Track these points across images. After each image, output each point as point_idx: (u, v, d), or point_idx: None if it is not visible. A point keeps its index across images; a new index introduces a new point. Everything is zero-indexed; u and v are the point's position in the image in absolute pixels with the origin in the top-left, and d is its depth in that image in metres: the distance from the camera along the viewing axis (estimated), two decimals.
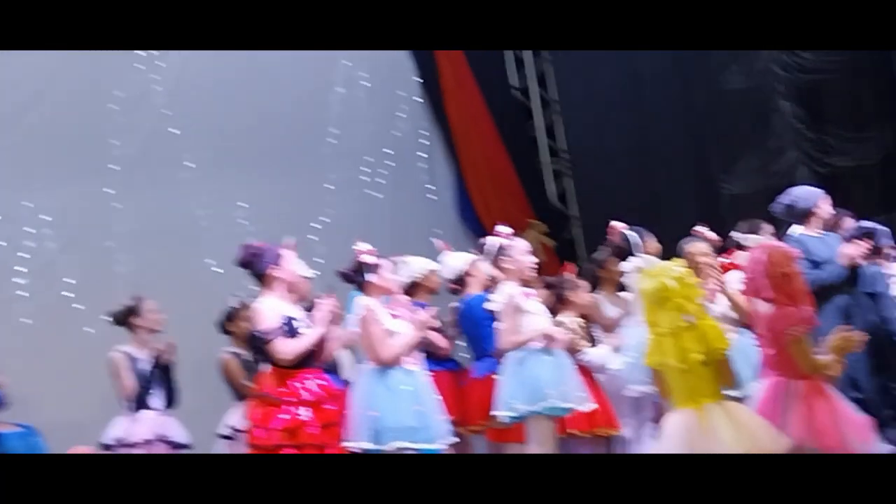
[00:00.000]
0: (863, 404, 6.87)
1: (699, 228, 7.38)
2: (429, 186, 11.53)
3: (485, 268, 6.68)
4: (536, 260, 6.59)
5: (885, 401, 6.93)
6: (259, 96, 10.35)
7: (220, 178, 9.97)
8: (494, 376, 6.40)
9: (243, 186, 10.08)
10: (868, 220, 7.75)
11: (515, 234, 6.77)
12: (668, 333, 4.94)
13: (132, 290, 7.68)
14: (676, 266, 5.07)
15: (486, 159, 11.64)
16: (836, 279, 7.01)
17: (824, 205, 7.36)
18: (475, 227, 11.16)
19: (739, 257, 6.34)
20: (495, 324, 6.45)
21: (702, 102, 10.73)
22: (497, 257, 6.48)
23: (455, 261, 7.16)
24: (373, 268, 6.16)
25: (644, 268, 5.06)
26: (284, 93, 10.52)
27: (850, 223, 7.66)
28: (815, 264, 7.04)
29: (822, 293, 7.00)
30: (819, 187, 7.74)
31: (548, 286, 7.39)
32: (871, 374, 6.97)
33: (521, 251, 6.48)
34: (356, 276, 6.20)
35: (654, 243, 7.34)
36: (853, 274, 7.06)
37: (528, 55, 12.34)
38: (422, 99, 11.59)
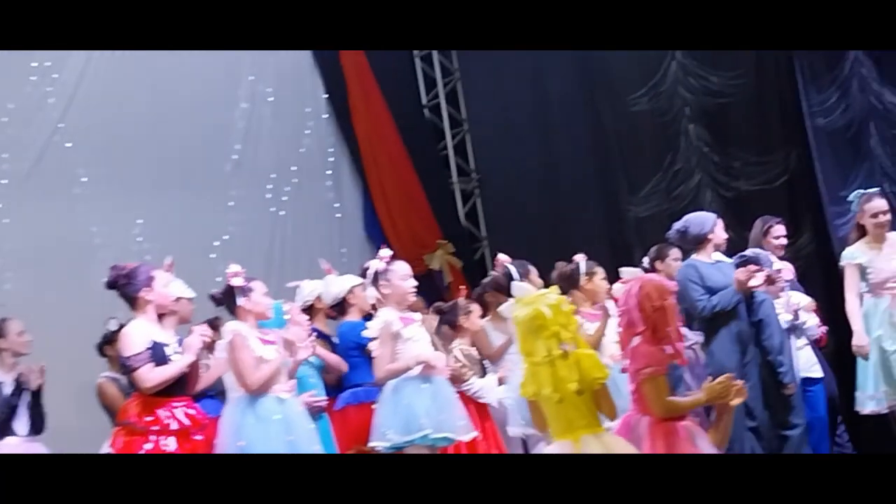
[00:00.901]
0: (757, 433, 6.87)
1: (580, 256, 7.29)
2: (335, 205, 11.32)
3: (368, 293, 6.46)
4: (416, 284, 6.38)
5: (774, 431, 6.89)
6: (159, 110, 10.07)
7: (117, 194, 9.69)
8: (352, 407, 6.25)
9: (141, 202, 9.79)
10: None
11: (421, 255, 6.59)
12: (544, 363, 4.76)
13: (19, 310, 7.40)
14: (552, 293, 4.91)
15: (394, 178, 11.47)
16: (729, 306, 6.93)
17: (719, 230, 7.29)
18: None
19: (615, 288, 6.20)
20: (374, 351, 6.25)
21: (609, 124, 10.68)
22: (376, 282, 6.27)
23: (335, 286, 6.96)
24: (243, 291, 5.95)
25: (519, 295, 4.85)
26: (186, 107, 10.24)
27: (779, 230, 7.60)
28: (710, 291, 6.97)
29: (716, 320, 6.96)
30: (724, 211, 7.68)
31: (439, 312, 7.24)
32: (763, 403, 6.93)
33: (401, 275, 6.27)
34: (227, 300, 6.00)
35: (536, 278, 7.22)
36: (747, 301, 6.99)
37: (438, 73, 12.19)
38: (328, 115, 11.39)
